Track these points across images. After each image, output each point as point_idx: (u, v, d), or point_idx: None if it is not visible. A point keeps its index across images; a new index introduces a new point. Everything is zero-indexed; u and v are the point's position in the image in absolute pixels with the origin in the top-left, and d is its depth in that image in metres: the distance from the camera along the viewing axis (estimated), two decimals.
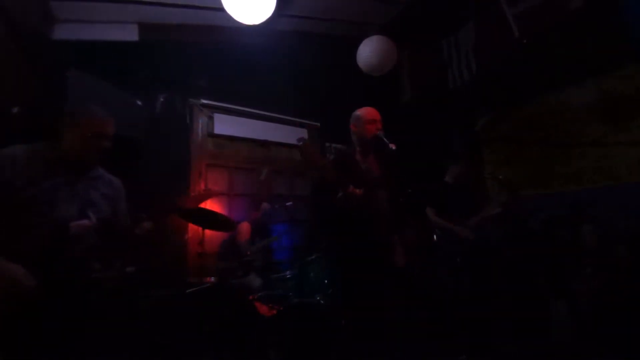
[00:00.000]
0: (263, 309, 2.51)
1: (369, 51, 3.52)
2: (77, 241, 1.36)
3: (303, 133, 4.50)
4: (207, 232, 3.41)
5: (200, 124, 3.81)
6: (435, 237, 2.93)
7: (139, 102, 3.22)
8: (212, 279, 3.21)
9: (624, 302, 2.29)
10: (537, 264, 2.93)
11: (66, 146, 1.44)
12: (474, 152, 4.02)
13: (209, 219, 2.66)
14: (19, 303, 1.17)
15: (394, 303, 1.93)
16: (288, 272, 2.92)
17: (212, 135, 3.88)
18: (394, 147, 1.95)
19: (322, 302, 2.51)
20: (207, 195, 2.24)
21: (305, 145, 1.73)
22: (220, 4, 2.70)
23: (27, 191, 1.29)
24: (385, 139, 1.99)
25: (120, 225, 1.63)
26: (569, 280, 2.73)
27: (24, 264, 1.20)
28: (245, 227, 3.36)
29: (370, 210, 1.96)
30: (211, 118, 3.87)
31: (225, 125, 3.96)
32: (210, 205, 3.57)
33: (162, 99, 3.53)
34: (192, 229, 3.48)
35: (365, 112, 2.16)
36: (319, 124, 4.53)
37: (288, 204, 3.66)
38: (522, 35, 3.23)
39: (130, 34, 3.20)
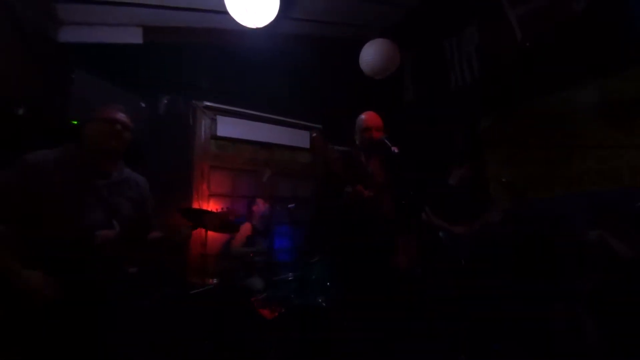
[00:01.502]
0: (265, 310, 2.51)
1: (371, 54, 3.52)
2: (101, 250, 1.33)
3: (306, 135, 4.51)
4: (210, 233, 3.42)
5: (203, 126, 3.83)
6: (439, 239, 2.92)
7: (143, 104, 3.24)
8: (215, 280, 3.22)
9: (624, 302, 2.27)
10: (539, 265, 2.92)
11: (88, 146, 1.39)
12: (477, 154, 4.01)
13: (212, 221, 2.67)
14: (39, 311, 1.16)
15: (395, 305, 1.93)
16: (290, 274, 2.92)
17: (215, 137, 3.90)
18: (396, 150, 1.96)
19: (324, 304, 2.51)
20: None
21: (316, 138, 1.82)
22: (224, 6, 2.71)
23: (52, 198, 1.26)
24: (388, 142, 1.99)
25: (144, 229, 1.60)
26: (572, 281, 2.71)
27: (46, 272, 1.18)
28: (244, 230, 3.36)
29: (373, 213, 1.97)
30: (214, 120, 3.89)
31: (228, 127, 3.98)
32: (212, 206, 3.59)
33: (165, 101, 3.55)
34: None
35: (361, 119, 2.19)
36: (321, 127, 4.53)
37: (290, 206, 3.66)
38: (525, 37, 3.23)
39: (135, 37, 3.22)
